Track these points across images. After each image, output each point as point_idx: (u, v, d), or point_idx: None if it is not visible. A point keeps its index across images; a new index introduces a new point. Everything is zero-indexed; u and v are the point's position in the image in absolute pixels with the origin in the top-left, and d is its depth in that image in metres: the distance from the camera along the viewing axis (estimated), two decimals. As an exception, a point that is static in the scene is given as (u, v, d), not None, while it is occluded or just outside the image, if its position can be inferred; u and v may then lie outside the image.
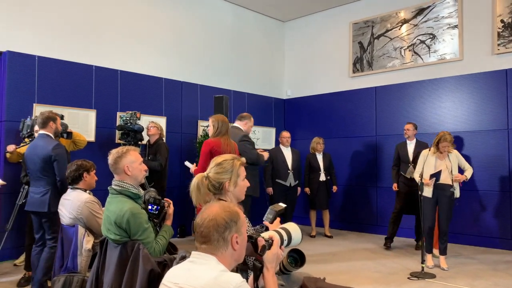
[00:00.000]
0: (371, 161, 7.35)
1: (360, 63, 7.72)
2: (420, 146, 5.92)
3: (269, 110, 8.44)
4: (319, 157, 6.92)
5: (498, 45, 6.17)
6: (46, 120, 3.88)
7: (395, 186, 6.16)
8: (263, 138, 7.98)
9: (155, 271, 2.35)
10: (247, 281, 1.74)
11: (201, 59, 7.38)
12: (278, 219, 2.27)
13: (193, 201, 2.25)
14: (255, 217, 3.97)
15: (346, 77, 7.93)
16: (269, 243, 1.77)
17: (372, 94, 7.45)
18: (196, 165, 4.49)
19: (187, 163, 4.81)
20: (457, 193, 4.98)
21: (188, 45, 7.20)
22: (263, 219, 2.26)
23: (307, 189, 6.92)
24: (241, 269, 1.72)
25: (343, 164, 7.69)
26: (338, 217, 7.70)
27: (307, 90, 8.47)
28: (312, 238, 6.88)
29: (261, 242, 1.73)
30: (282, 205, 2.29)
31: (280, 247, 1.89)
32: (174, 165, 6.61)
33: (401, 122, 6.96)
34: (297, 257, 2.21)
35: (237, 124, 5.00)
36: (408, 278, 4.58)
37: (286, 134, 6.74)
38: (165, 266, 2.46)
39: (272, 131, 8.34)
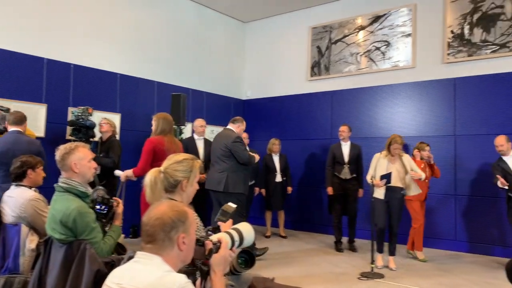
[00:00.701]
0: (325, 163, 7.47)
1: (318, 67, 7.85)
2: (355, 148, 6.23)
3: (228, 111, 8.42)
4: (276, 158, 6.98)
5: (448, 54, 6.45)
6: None
7: (330, 190, 6.20)
8: (220, 138, 7.95)
9: (101, 271, 2.28)
10: (194, 284, 1.72)
11: (160, 56, 7.25)
12: (230, 220, 2.26)
13: (146, 197, 2.20)
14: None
15: (304, 81, 8.04)
16: (217, 246, 1.75)
17: (328, 98, 7.60)
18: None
19: (116, 172, 4.71)
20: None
21: (147, 41, 7.05)
22: (215, 220, 2.24)
23: (263, 190, 6.96)
24: (188, 272, 1.70)
25: (299, 166, 7.79)
26: (293, 217, 7.79)
27: (266, 92, 8.52)
28: (267, 239, 6.92)
29: (208, 246, 1.71)
30: (233, 205, 2.28)
31: (232, 249, 1.88)
32: (127, 163, 6.42)
33: (356, 125, 7.14)
34: (247, 258, 2.21)
35: (230, 126, 5.29)
36: (358, 278, 4.70)
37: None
38: (112, 266, 2.39)
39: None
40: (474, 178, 6.06)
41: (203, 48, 8.03)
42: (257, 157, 5.19)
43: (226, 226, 2.24)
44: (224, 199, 4.96)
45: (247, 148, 5.49)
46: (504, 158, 5.19)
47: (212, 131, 7.80)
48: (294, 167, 7.65)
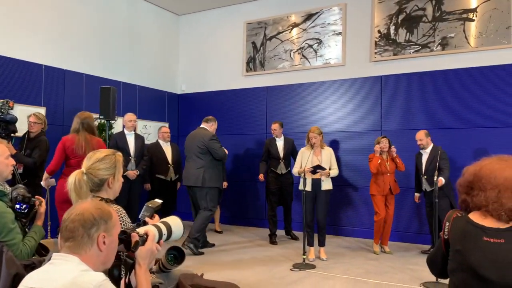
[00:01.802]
0: (260, 158, 7.57)
1: (253, 63, 7.90)
2: (288, 143, 6.50)
3: (162, 105, 8.24)
4: None
5: (375, 53, 6.77)
6: None
7: (261, 177, 6.55)
8: (155, 133, 7.76)
9: (20, 275, 2.14)
10: (119, 279, 1.68)
11: (89, 47, 6.92)
12: (156, 215, 2.23)
13: (72, 201, 2.10)
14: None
15: (240, 76, 8.07)
16: (143, 239, 1.71)
17: (263, 93, 7.69)
18: None
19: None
20: (329, 185, 5.31)
21: (75, 31, 6.70)
22: (139, 216, 2.20)
23: None
24: (114, 265, 1.65)
25: (234, 161, 7.82)
26: (229, 212, 7.81)
27: (202, 86, 8.45)
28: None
29: (134, 238, 1.67)
30: (159, 201, 2.24)
31: (159, 242, 1.85)
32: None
33: (290, 121, 7.30)
34: (176, 254, 2.19)
35: (203, 125, 5.82)
36: (291, 269, 4.82)
37: (165, 130, 6.64)
38: (33, 269, 2.26)
39: (165, 126, 8.15)
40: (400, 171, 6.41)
41: (135, 40, 7.79)
42: (226, 152, 5.74)
43: (152, 222, 2.20)
44: (199, 193, 5.57)
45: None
46: (422, 151, 5.64)
47: (145, 126, 7.61)
48: (230, 162, 7.68)
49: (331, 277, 4.56)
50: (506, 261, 1.50)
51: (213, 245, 5.97)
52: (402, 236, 6.41)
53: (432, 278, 4.19)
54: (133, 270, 1.63)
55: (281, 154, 6.40)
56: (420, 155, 5.69)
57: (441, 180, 5.07)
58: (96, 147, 4.35)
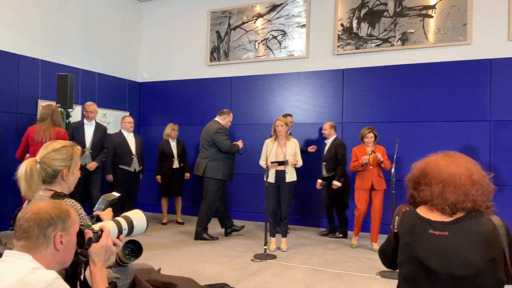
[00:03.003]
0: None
1: (217, 52, 7.82)
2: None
3: (122, 93, 8.04)
4: (173, 144, 6.86)
5: (338, 46, 6.85)
6: None
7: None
8: (115, 122, 7.57)
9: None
10: (77, 276, 1.63)
11: (45, 32, 6.63)
12: (110, 209, 2.17)
13: (21, 191, 2.01)
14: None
15: (203, 65, 7.97)
16: (98, 235, 1.66)
17: (227, 83, 7.63)
18: None
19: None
20: (293, 177, 5.34)
21: (30, 15, 6.39)
22: (94, 209, 2.14)
23: (158, 177, 6.81)
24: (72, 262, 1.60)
25: (197, 151, 7.73)
26: (191, 203, 7.75)
27: (164, 75, 8.29)
28: (164, 226, 6.81)
29: (88, 234, 1.62)
30: (115, 194, 2.19)
31: (119, 237, 1.80)
32: (8, 150, 5.86)
33: (253, 112, 7.30)
34: (134, 248, 2.14)
35: (216, 118, 5.98)
36: (252, 260, 4.85)
37: (129, 119, 6.49)
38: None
39: (125, 115, 7.96)
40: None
41: (94, 25, 7.52)
42: (240, 144, 5.85)
43: (104, 215, 2.15)
44: (206, 184, 5.82)
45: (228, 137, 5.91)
46: (326, 141, 6.16)
47: (104, 115, 7.41)
48: (192, 152, 7.60)
49: (291, 267, 4.63)
50: (450, 252, 1.56)
51: (216, 238, 5.94)
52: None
53: (388, 267, 4.32)
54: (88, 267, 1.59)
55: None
56: (325, 144, 6.11)
57: (336, 185, 5.76)
58: (55, 137, 4.25)
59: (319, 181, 6.11)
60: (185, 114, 7.91)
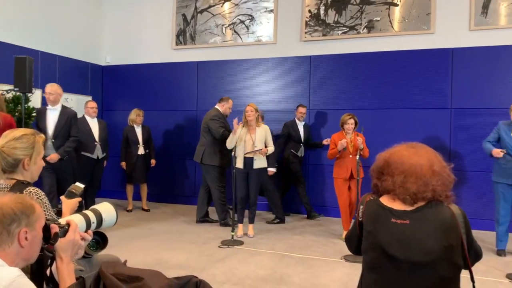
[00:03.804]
0: (191, 135, 7.48)
1: (183, 36, 7.67)
2: (307, 127, 6.57)
3: (84, 77, 7.77)
4: (138, 130, 6.73)
5: (305, 33, 6.86)
6: None
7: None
8: (77, 107, 7.32)
9: None
10: (43, 272, 1.59)
11: (2, 12, 6.28)
12: (76, 200, 2.12)
13: None
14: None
15: (169, 49, 7.80)
16: (64, 230, 1.61)
17: (194, 68, 7.52)
18: None
19: None
20: (259, 164, 5.29)
21: (-18, -8, 6.04)
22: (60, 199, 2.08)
23: (123, 163, 6.69)
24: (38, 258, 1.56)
25: (163, 137, 7.64)
26: (157, 190, 7.66)
27: (128, 58, 8.06)
28: (129, 213, 6.72)
29: (54, 229, 1.57)
30: (80, 185, 2.13)
31: (87, 231, 1.76)
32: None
33: (220, 97, 7.21)
34: (99, 240, 2.10)
35: (216, 105, 6.00)
36: (219, 246, 4.86)
37: (91, 104, 6.29)
38: None
39: (88, 99, 7.71)
40: (325, 148, 6.63)
41: (54, 6, 7.19)
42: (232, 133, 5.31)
43: (69, 205, 2.10)
44: (204, 171, 5.89)
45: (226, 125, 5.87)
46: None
47: (66, 99, 7.16)
48: (158, 138, 7.50)
49: (258, 252, 4.67)
50: (410, 240, 1.62)
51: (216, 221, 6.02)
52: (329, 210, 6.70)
53: (352, 251, 4.44)
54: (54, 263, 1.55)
55: (302, 137, 6.42)
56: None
57: (271, 171, 5.83)
58: (3, 122, 3.99)
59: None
60: (150, 99, 7.75)
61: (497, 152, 4.55)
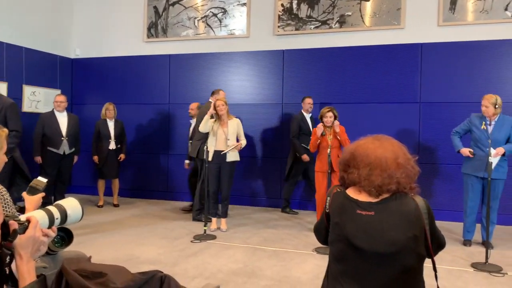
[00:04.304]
0: (163, 128, 7.40)
1: (155, 29, 7.55)
2: (311, 119, 6.30)
3: (53, 70, 7.56)
4: (110, 124, 6.61)
5: (278, 27, 6.86)
6: None
7: (306, 157, 6.03)
8: (45, 100, 7.14)
9: None
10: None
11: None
12: (39, 196, 2.06)
13: None
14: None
15: (141, 42, 7.67)
16: (24, 226, 1.56)
17: (166, 61, 7.42)
18: None
19: None
20: (230, 157, 5.29)
21: None
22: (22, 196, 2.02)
23: (95, 158, 6.57)
24: None
25: (135, 131, 7.53)
26: (129, 185, 7.56)
27: (99, 51, 7.89)
28: (100, 208, 6.60)
29: (12, 226, 1.52)
30: (43, 180, 2.07)
31: (51, 228, 1.71)
32: None
33: (194, 91, 7.17)
34: (63, 236, 2.05)
35: (210, 99, 5.87)
36: (191, 241, 4.84)
37: (60, 98, 6.12)
38: None
39: (57, 93, 7.52)
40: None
41: (20, -4, 6.96)
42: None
43: (32, 201, 2.04)
44: (201, 165, 5.69)
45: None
46: (191, 121, 6.28)
47: (33, 93, 6.97)
48: (130, 132, 7.38)
49: (231, 246, 4.67)
50: (375, 231, 1.65)
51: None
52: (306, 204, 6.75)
53: (324, 243, 4.49)
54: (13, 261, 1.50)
55: (312, 129, 6.05)
56: (190, 124, 6.31)
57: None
58: None
59: (186, 161, 6.30)
60: (122, 92, 7.62)
61: (466, 153, 4.69)
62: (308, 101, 6.24)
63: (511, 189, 5.57)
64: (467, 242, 4.84)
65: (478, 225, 4.91)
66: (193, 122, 6.21)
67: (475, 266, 4.08)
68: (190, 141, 6.21)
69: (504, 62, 5.83)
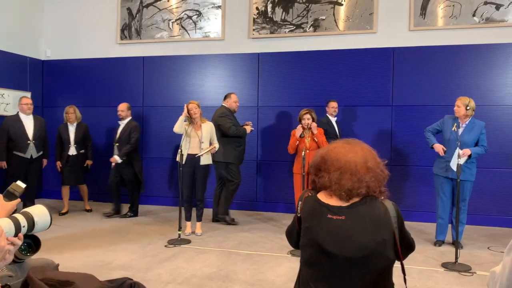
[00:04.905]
0: (140, 132, 7.28)
1: (128, 31, 7.45)
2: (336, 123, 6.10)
3: (23, 72, 7.36)
4: (71, 129, 6.40)
5: (253, 30, 6.87)
6: None
7: None
8: (14, 103, 6.94)
9: None
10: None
11: None
12: (15, 202, 1.99)
13: None
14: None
15: (114, 43, 7.55)
16: None
17: (140, 63, 7.33)
18: None
19: None
20: (204, 161, 5.27)
21: None
22: None
23: (58, 163, 6.37)
24: None
25: (107, 135, 7.39)
26: (102, 189, 7.39)
27: (71, 53, 7.72)
28: (66, 215, 6.41)
29: None
30: (22, 185, 2.00)
31: (18, 235, 1.65)
32: None
33: (168, 94, 7.10)
34: (31, 243, 1.99)
35: (223, 103, 5.97)
36: (165, 246, 4.78)
37: (25, 101, 5.96)
38: None
39: (27, 95, 7.32)
40: (275, 144, 6.70)
41: (-12, -5, 6.76)
42: (248, 128, 5.81)
43: (3, 207, 1.97)
44: (218, 168, 5.85)
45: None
46: (120, 122, 6.29)
47: (2, 95, 6.77)
48: (102, 136, 7.25)
49: (205, 251, 4.64)
50: (345, 236, 1.65)
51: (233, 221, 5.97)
52: (272, 206, 6.76)
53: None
54: None
55: (338, 133, 5.99)
56: (119, 125, 6.30)
57: (115, 159, 6.08)
58: None
59: (113, 164, 6.17)
60: (94, 95, 7.48)
61: (438, 148, 4.79)
62: (333, 104, 6.06)
63: (480, 191, 5.72)
64: (437, 242, 4.94)
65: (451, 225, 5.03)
66: (122, 124, 6.25)
67: (445, 265, 4.18)
68: (117, 144, 6.17)
69: (473, 65, 6.00)
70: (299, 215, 1.82)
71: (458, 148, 4.51)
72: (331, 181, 1.71)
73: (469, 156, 4.61)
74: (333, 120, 6.05)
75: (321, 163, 1.77)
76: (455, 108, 4.76)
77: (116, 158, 6.04)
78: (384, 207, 1.69)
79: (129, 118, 6.28)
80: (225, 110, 5.88)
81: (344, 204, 1.70)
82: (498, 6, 5.95)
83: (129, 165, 6.16)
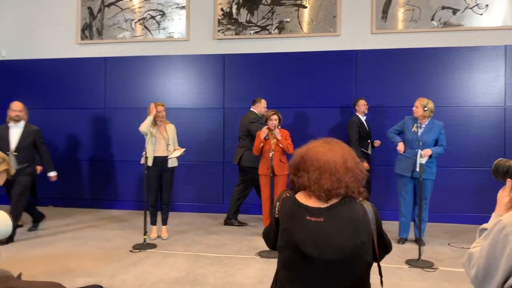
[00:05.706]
0: (99, 133, 7.09)
1: (89, 30, 7.24)
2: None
3: (-25, 72, 7.01)
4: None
5: (218, 31, 6.83)
6: None
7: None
8: (-35, 105, 6.58)
9: None
10: None
11: None
12: None
13: None
14: None
15: (74, 43, 7.31)
16: None
17: (101, 64, 7.13)
18: None
19: None
20: (174, 163, 5.22)
21: None
22: None
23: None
24: None
25: (68, 138, 7.14)
26: (61, 194, 7.13)
27: (28, 53, 7.41)
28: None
29: None
30: None
31: None
32: None
33: (131, 95, 6.94)
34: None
35: (252, 108, 5.99)
36: (131, 251, 4.66)
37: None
38: None
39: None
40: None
41: None
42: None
43: None
44: (242, 172, 5.92)
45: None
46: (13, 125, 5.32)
47: (-48, 97, 6.40)
48: (62, 139, 7.00)
49: (172, 255, 4.55)
50: (324, 238, 1.62)
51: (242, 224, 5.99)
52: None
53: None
54: None
55: (370, 133, 5.90)
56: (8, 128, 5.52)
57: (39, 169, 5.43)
58: None
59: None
60: (53, 96, 7.21)
61: (400, 148, 4.92)
62: (363, 102, 5.88)
63: (440, 189, 5.91)
64: (401, 240, 5.07)
65: (413, 223, 5.16)
66: (17, 128, 5.23)
67: (409, 262, 4.29)
68: (15, 153, 5.12)
69: (432, 68, 6.21)
70: (276, 215, 1.78)
71: (419, 149, 4.64)
72: (310, 181, 1.67)
73: (430, 156, 4.76)
74: (363, 118, 5.92)
75: (301, 162, 1.73)
76: (414, 108, 4.91)
77: (54, 174, 5.42)
78: (363, 209, 1.66)
79: (24, 121, 5.35)
80: (256, 115, 5.86)
81: (323, 205, 1.67)
82: (454, 11, 6.19)
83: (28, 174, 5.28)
